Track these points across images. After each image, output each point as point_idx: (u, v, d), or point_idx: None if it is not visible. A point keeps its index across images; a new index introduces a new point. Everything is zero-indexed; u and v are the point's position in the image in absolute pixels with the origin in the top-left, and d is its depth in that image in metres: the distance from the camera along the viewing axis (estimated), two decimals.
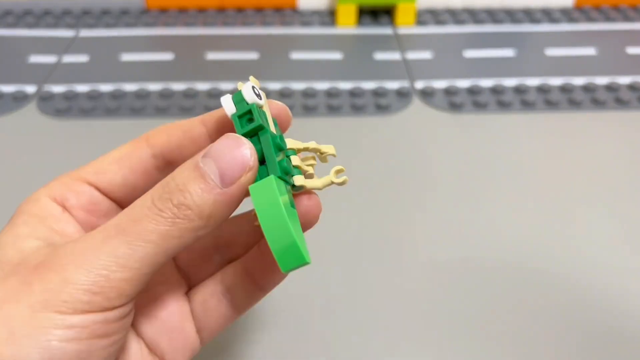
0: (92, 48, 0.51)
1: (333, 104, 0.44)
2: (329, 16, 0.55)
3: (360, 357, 0.28)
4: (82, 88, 0.46)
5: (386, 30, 0.53)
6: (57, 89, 0.46)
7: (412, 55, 0.50)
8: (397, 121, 0.43)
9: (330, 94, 0.45)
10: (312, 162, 0.22)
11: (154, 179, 0.22)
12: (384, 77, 0.47)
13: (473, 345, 0.29)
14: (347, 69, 0.48)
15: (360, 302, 0.31)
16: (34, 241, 0.19)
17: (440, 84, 0.46)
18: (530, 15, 0.55)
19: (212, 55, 0.49)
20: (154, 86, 0.46)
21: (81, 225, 0.21)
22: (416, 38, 0.52)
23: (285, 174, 0.20)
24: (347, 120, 0.43)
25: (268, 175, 0.19)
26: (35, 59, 0.49)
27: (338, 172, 0.21)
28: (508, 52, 0.50)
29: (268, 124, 0.20)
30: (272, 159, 0.19)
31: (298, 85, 0.46)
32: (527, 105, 0.44)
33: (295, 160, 0.20)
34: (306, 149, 0.22)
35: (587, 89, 0.45)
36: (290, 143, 0.21)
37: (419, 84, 0.46)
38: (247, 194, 0.19)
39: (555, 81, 0.46)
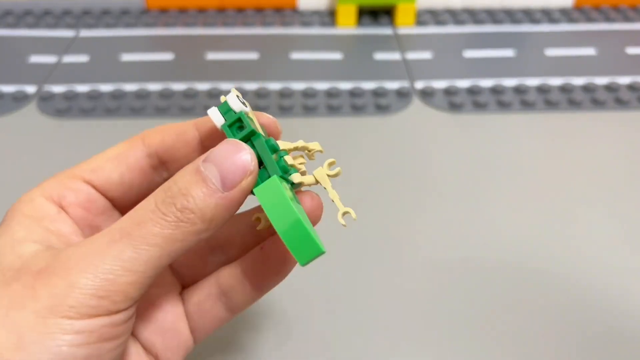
0: (92, 48, 0.51)
1: (333, 104, 0.44)
2: (329, 16, 0.55)
3: (360, 357, 0.28)
4: (82, 88, 0.46)
5: (386, 31, 0.53)
6: (57, 89, 0.46)
7: (412, 55, 0.50)
8: (397, 121, 0.43)
9: (330, 94, 0.45)
10: (301, 160, 0.23)
11: (149, 177, 0.23)
12: (384, 77, 0.47)
13: (473, 345, 0.29)
14: (347, 69, 0.48)
15: (360, 302, 0.31)
16: (31, 244, 0.19)
17: (440, 84, 0.46)
18: (530, 15, 0.55)
19: (212, 56, 0.49)
20: (154, 86, 0.46)
21: (77, 223, 0.21)
22: (416, 38, 0.52)
23: (285, 173, 0.20)
24: (347, 120, 0.43)
25: (269, 177, 0.20)
26: (36, 59, 0.49)
27: (330, 164, 0.21)
28: (508, 52, 0.50)
29: (257, 129, 0.21)
30: (270, 161, 0.20)
31: (298, 85, 0.46)
32: (527, 106, 0.44)
33: (288, 160, 0.21)
34: (295, 149, 0.22)
35: (587, 89, 0.46)
36: (280, 144, 0.21)
37: (419, 84, 0.46)
38: (247, 197, 0.19)
39: (555, 81, 0.46)
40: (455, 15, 0.55)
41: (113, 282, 0.17)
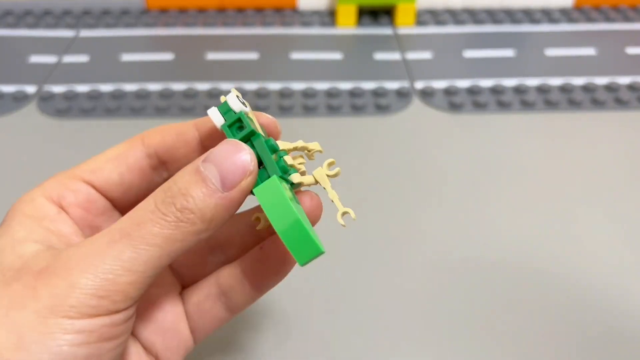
0: (92, 48, 0.51)
1: (333, 104, 0.44)
2: (329, 16, 0.55)
3: (360, 357, 0.28)
4: (82, 88, 0.46)
5: (386, 31, 0.53)
6: (58, 89, 0.46)
7: (412, 55, 0.50)
8: (397, 121, 0.43)
9: (330, 94, 0.45)
10: (301, 160, 0.23)
11: (149, 177, 0.23)
12: (383, 77, 0.47)
13: (473, 345, 0.29)
14: (347, 69, 0.48)
15: (360, 302, 0.31)
16: (32, 244, 0.19)
17: (440, 84, 0.46)
18: (530, 15, 0.55)
19: (212, 56, 0.49)
20: (154, 86, 0.46)
21: (77, 223, 0.22)
22: (416, 38, 0.52)
23: (284, 173, 0.20)
24: (347, 120, 0.43)
25: (268, 177, 0.20)
26: (36, 59, 0.49)
27: (330, 164, 0.22)
28: (508, 52, 0.50)
29: (257, 129, 0.21)
30: (270, 161, 0.20)
31: (298, 86, 0.46)
32: (526, 106, 0.44)
33: (288, 160, 0.21)
34: (295, 149, 0.22)
35: (587, 89, 0.46)
36: (280, 144, 0.21)
37: (419, 84, 0.46)
38: (247, 197, 0.19)
39: (555, 81, 0.46)
40: (455, 15, 0.55)
41: (113, 282, 0.17)
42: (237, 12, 0.56)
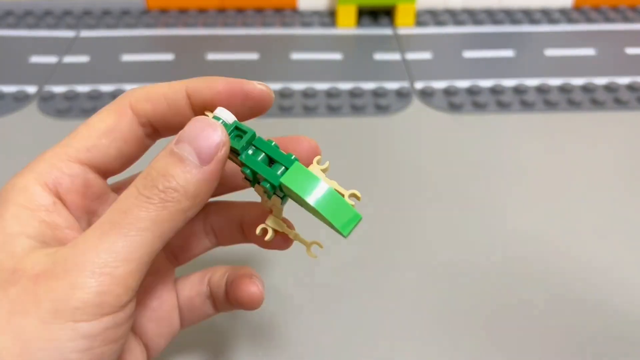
0: (92, 48, 0.51)
1: (333, 104, 0.44)
2: (329, 17, 0.55)
3: (360, 356, 0.28)
4: (82, 88, 0.46)
5: (386, 31, 0.53)
6: (58, 89, 0.46)
7: (411, 55, 0.50)
8: (397, 121, 0.43)
9: (330, 94, 0.45)
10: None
11: (146, 146, 0.23)
12: (383, 77, 0.47)
13: (474, 346, 0.29)
14: (347, 70, 0.48)
15: (359, 302, 0.31)
16: (25, 240, 0.19)
17: (439, 85, 0.46)
18: (529, 15, 0.55)
19: (212, 56, 0.49)
20: None
21: (74, 211, 0.21)
22: (416, 38, 0.52)
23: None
24: (347, 120, 0.43)
25: (285, 168, 0.20)
26: (36, 59, 0.49)
27: (319, 161, 0.22)
28: (507, 53, 0.50)
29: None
30: (279, 153, 0.20)
31: (298, 86, 0.46)
32: (526, 106, 0.44)
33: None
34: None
35: (586, 89, 0.46)
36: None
37: (419, 85, 0.46)
38: (224, 169, 0.20)
39: (555, 81, 0.46)
40: (455, 16, 0.55)
41: (112, 275, 0.17)
42: (238, 12, 0.56)
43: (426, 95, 0.45)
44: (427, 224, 0.35)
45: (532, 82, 0.46)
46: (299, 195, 0.19)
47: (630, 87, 0.46)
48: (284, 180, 0.20)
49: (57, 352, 0.17)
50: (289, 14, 0.55)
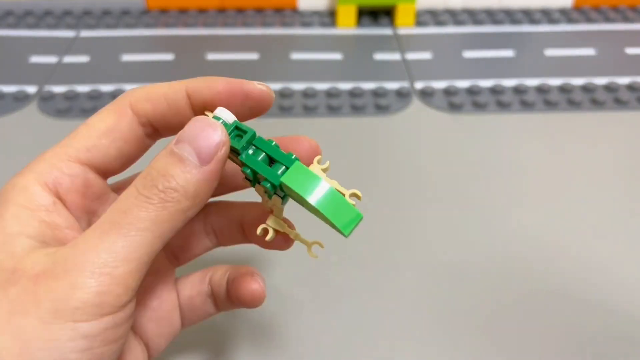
0: (92, 48, 0.51)
1: (333, 104, 0.44)
2: (329, 17, 0.55)
3: (360, 356, 0.28)
4: (82, 88, 0.46)
5: (386, 31, 0.53)
6: (58, 89, 0.46)
7: (411, 55, 0.50)
8: (397, 121, 0.43)
9: (330, 94, 0.45)
10: None
11: (146, 146, 0.23)
12: (383, 77, 0.47)
13: (474, 345, 0.29)
14: (347, 70, 0.48)
15: (359, 302, 0.31)
16: (25, 240, 0.19)
17: (439, 84, 0.46)
18: (529, 15, 0.55)
19: (212, 56, 0.49)
20: None
21: (74, 211, 0.21)
22: (416, 38, 0.52)
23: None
24: (347, 120, 0.43)
25: (286, 167, 0.20)
26: (36, 59, 0.49)
27: (319, 161, 0.22)
28: (507, 53, 0.50)
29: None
30: (280, 153, 0.20)
31: (298, 86, 0.46)
32: (526, 106, 0.44)
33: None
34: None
35: (586, 89, 0.46)
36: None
37: (419, 84, 0.46)
38: (224, 169, 0.20)
39: (555, 81, 0.46)
40: (454, 16, 0.55)
41: (111, 275, 0.17)
42: (238, 12, 0.56)
43: (426, 95, 0.45)
44: (427, 223, 0.35)
45: (532, 82, 0.46)
46: (299, 194, 0.19)
47: (630, 87, 0.46)
48: (285, 179, 0.20)
49: (56, 352, 0.17)
50: (289, 14, 0.55)
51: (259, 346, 0.29)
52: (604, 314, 0.30)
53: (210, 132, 0.19)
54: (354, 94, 0.45)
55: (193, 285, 0.24)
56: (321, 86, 0.46)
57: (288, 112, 0.43)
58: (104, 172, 0.22)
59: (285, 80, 0.47)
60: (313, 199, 0.19)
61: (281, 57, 0.49)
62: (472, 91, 0.45)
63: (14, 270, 0.18)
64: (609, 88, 0.46)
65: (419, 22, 0.54)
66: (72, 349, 0.17)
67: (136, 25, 0.54)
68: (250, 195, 0.24)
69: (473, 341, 0.29)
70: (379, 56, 0.50)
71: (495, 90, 0.45)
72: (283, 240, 0.23)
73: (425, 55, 0.50)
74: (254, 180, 0.21)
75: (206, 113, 0.21)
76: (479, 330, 0.29)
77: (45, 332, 0.17)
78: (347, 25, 0.53)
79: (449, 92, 0.45)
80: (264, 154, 0.20)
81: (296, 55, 0.50)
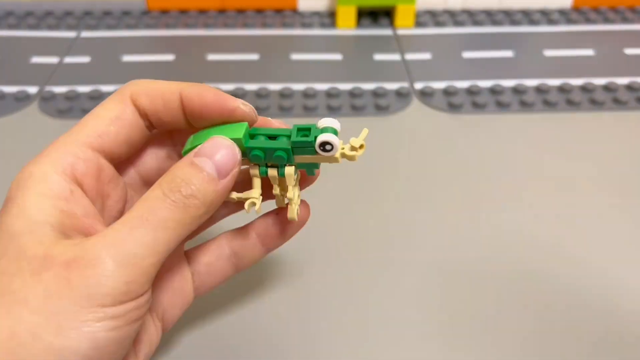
0: (93, 49, 0.51)
1: (333, 105, 0.44)
2: (329, 17, 0.55)
3: (361, 356, 0.28)
4: (83, 89, 0.46)
5: (386, 32, 0.53)
6: (59, 89, 0.46)
7: (411, 56, 0.50)
8: (397, 121, 0.43)
9: (330, 94, 0.45)
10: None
11: (146, 135, 0.24)
12: (383, 77, 0.47)
13: (474, 345, 0.29)
14: (346, 70, 0.48)
15: (358, 302, 0.31)
16: (49, 229, 0.20)
17: (439, 85, 0.46)
18: (528, 16, 0.55)
19: (212, 57, 0.49)
20: None
21: (90, 194, 0.22)
22: (415, 39, 0.52)
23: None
24: (346, 120, 0.43)
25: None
26: (37, 59, 0.49)
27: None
28: (507, 53, 0.50)
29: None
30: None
31: (298, 86, 0.46)
32: (525, 106, 0.44)
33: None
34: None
35: (585, 89, 0.46)
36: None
37: (419, 85, 0.46)
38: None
39: (554, 82, 0.47)
40: (454, 16, 0.55)
41: (139, 265, 0.19)
42: (238, 13, 0.56)
43: (426, 95, 0.45)
44: (427, 223, 0.35)
45: (531, 82, 0.47)
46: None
47: (629, 87, 0.46)
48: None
49: (88, 332, 0.18)
50: (289, 15, 0.56)
51: (259, 346, 0.29)
52: (604, 314, 0.30)
53: (230, 151, 0.22)
54: (353, 94, 0.45)
55: (211, 251, 0.26)
56: (321, 86, 0.46)
57: (288, 112, 0.43)
58: (112, 158, 0.23)
59: (285, 80, 0.47)
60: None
61: (281, 57, 0.50)
62: (471, 91, 0.46)
63: (45, 257, 0.19)
64: (608, 88, 0.46)
65: (419, 23, 0.54)
66: (100, 329, 0.19)
67: (137, 26, 0.54)
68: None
69: (473, 341, 0.29)
70: (379, 57, 0.50)
71: (494, 91, 0.46)
72: (304, 210, 0.26)
73: (425, 56, 0.50)
74: (265, 163, 0.23)
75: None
76: (479, 330, 0.29)
77: (78, 314, 0.18)
78: (346, 26, 0.54)
79: (448, 92, 0.45)
80: (263, 137, 0.23)
81: (296, 56, 0.50)
